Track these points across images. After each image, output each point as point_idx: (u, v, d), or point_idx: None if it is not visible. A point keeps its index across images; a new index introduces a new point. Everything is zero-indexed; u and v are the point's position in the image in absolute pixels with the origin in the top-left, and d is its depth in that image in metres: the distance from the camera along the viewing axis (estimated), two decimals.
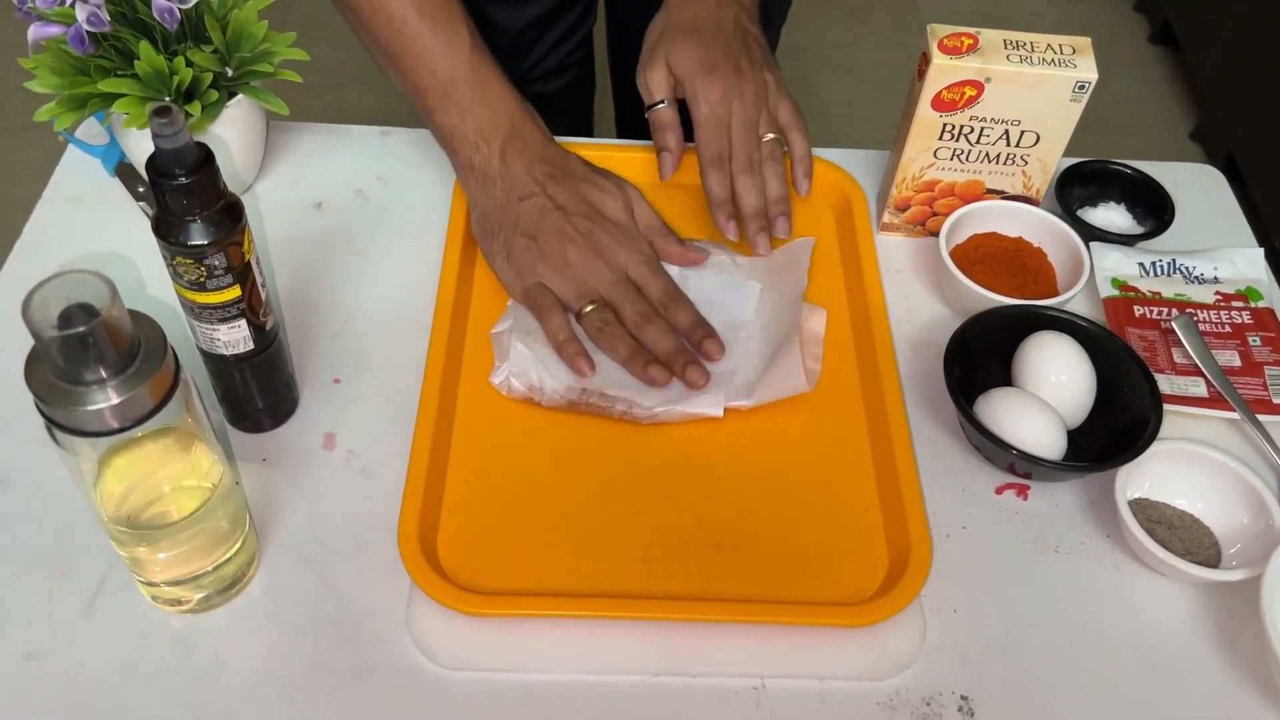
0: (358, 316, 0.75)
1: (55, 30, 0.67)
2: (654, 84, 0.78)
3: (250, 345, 0.63)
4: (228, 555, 0.60)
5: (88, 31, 0.66)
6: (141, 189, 0.81)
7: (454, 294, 0.74)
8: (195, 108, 0.71)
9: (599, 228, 0.73)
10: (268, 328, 0.64)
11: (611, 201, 0.75)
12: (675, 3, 0.80)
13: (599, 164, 0.79)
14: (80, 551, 0.62)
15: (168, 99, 0.71)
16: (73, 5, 0.66)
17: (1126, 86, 2.32)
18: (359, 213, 0.82)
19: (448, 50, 0.73)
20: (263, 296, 0.62)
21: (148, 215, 0.80)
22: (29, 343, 0.48)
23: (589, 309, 0.71)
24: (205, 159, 0.55)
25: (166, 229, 0.56)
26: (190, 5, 0.68)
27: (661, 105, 0.79)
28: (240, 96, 0.74)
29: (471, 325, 0.75)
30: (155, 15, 0.67)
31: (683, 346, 0.71)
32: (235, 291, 0.59)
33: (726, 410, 0.70)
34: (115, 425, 0.50)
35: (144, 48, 0.68)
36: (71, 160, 0.84)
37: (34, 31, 0.67)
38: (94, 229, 0.79)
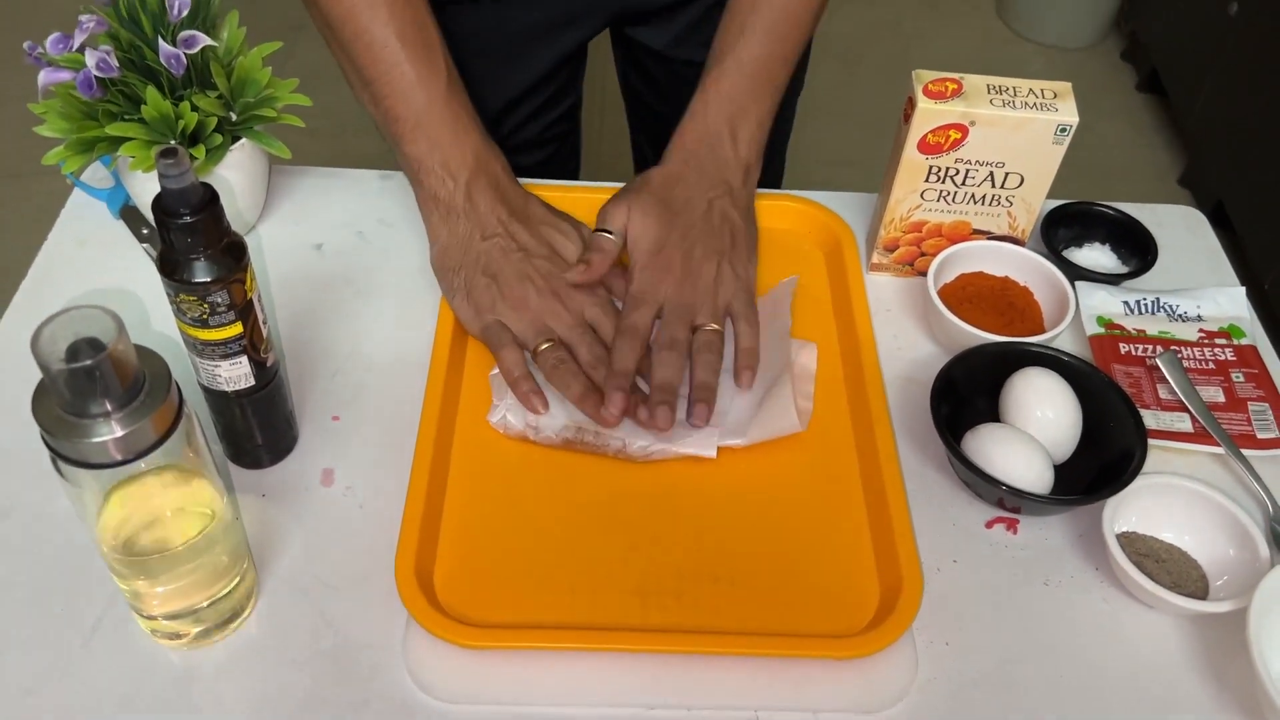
0: (357, 355, 0.77)
1: (64, 76, 0.69)
2: (611, 216, 0.78)
3: (251, 381, 0.64)
4: (227, 590, 0.61)
5: (96, 77, 0.68)
6: (145, 230, 0.82)
7: (451, 333, 0.75)
8: (200, 151, 0.73)
9: (559, 270, 0.75)
10: (268, 364, 0.65)
11: (571, 245, 0.77)
12: (664, 168, 0.80)
13: (583, 203, 0.81)
14: (80, 585, 0.63)
15: (173, 142, 0.73)
16: (82, 51, 0.68)
17: (1115, 133, 2.36)
18: (359, 254, 0.84)
19: (424, 81, 0.74)
20: (264, 333, 0.63)
21: (151, 256, 0.81)
22: (35, 378, 0.49)
23: (545, 347, 0.72)
24: (209, 199, 0.57)
25: (171, 267, 0.58)
26: (196, 51, 0.70)
27: (609, 234, 0.77)
28: (244, 140, 0.76)
29: (468, 364, 0.76)
30: (162, 61, 0.69)
31: (635, 387, 0.71)
32: (237, 328, 0.61)
33: (719, 448, 0.71)
34: (119, 457, 0.51)
35: (150, 93, 0.70)
36: (77, 203, 0.86)
37: (44, 77, 0.69)
38: (99, 269, 0.81)
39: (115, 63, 0.68)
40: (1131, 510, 0.69)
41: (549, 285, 0.74)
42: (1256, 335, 0.81)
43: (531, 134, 1.02)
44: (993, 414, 0.73)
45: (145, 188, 0.77)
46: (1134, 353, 0.78)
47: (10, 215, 1.97)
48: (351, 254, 0.84)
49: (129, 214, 0.83)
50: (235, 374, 0.63)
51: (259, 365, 0.64)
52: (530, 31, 0.94)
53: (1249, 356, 0.79)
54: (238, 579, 0.61)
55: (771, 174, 1.05)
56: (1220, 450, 0.73)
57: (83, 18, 0.67)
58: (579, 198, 0.85)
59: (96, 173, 0.88)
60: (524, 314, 0.73)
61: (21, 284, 0.80)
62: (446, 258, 0.76)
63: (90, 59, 0.67)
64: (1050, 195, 0.81)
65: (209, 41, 0.70)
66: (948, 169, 0.77)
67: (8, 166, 2.06)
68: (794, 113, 1.06)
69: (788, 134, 1.09)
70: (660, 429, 0.69)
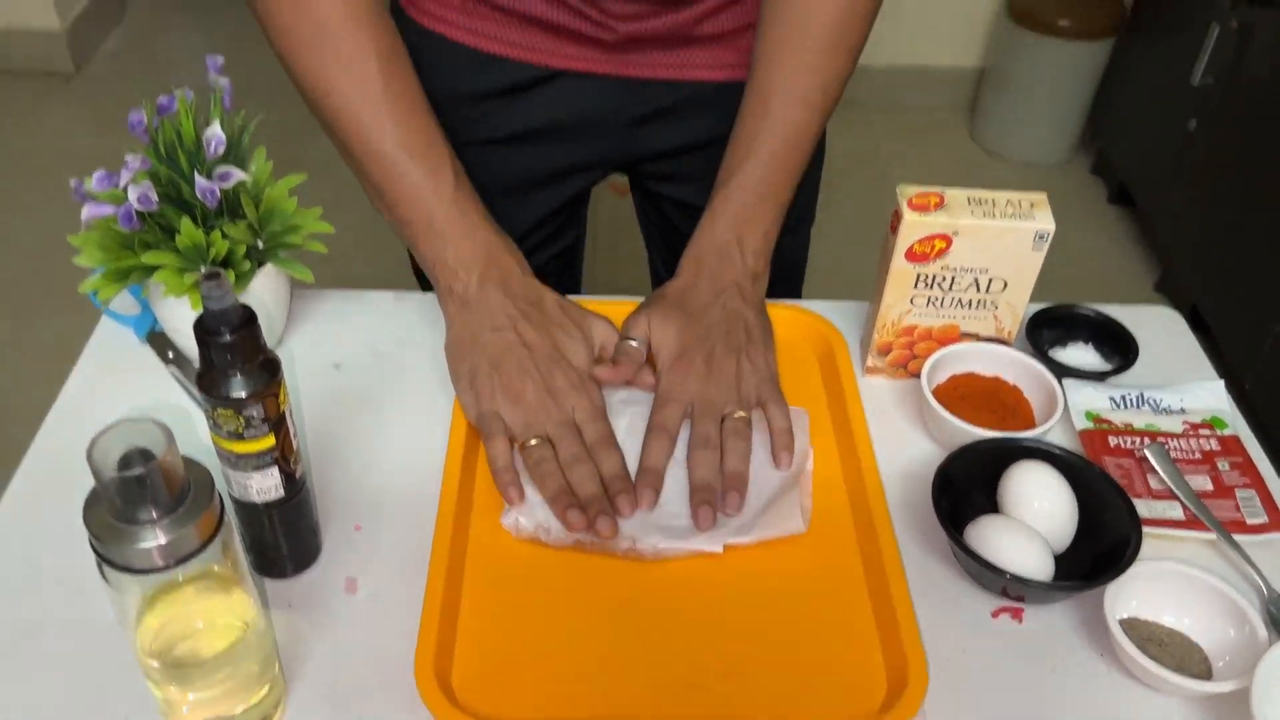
0: (376, 466, 0.79)
1: (107, 210, 0.73)
2: (633, 326, 0.83)
3: (281, 493, 0.67)
4: (257, 699, 0.62)
5: (136, 210, 0.73)
6: (171, 354, 0.86)
7: (464, 443, 0.78)
8: (229, 276, 0.77)
9: (558, 370, 0.79)
10: (297, 475, 0.67)
11: (575, 347, 0.81)
12: (677, 281, 0.85)
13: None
14: (110, 697, 0.64)
15: (204, 268, 0.77)
16: (124, 188, 0.73)
17: (1090, 244, 2.45)
18: (375, 370, 0.87)
19: (433, 187, 0.80)
20: (294, 446, 0.66)
21: (177, 379, 0.84)
22: (65, 498, 0.52)
23: (532, 443, 0.76)
24: (248, 319, 0.60)
25: (210, 383, 0.61)
26: (231, 185, 0.74)
27: (633, 343, 0.82)
28: (269, 265, 0.80)
29: (480, 472, 0.79)
30: (198, 194, 0.74)
31: (602, 494, 0.74)
32: (270, 441, 0.64)
33: (725, 545, 0.74)
34: (161, 563, 0.53)
35: (185, 224, 0.75)
36: (104, 331, 0.90)
37: (88, 211, 0.73)
38: (127, 392, 0.84)
39: (155, 197, 0.72)
40: (1131, 596, 0.71)
41: (546, 383, 0.78)
42: (1238, 426, 0.84)
43: (531, 268, 1.07)
44: (991, 506, 0.76)
45: (175, 313, 0.80)
46: (1123, 445, 0.82)
47: (38, 344, 2.01)
48: (368, 371, 0.87)
49: (156, 339, 0.87)
50: (266, 485, 0.66)
51: (288, 477, 0.67)
52: (539, 176, 0.99)
53: (1233, 446, 0.82)
54: (267, 687, 0.63)
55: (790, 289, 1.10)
56: (1212, 536, 0.75)
57: (128, 157, 0.72)
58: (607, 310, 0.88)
59: (122, 301, 0.92)
60: (519, 407, 0.77)
61: (52, 407, 0.83)
62: (458, 346, 0.80)
63: (132, 193, 0.71)
64: (1034, 300, 0.85)
65: (243, 176, 0.75)
66: (935, 276, 0.82)
67: (27, 305, 2.11)
68: (808, 241, 1.11)
69: (804, 264, 1.13)
70: (702, 528, 0.73)
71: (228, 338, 0.60)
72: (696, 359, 0.80)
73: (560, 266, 1.10)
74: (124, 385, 0.85)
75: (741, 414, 0.78)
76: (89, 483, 0.52)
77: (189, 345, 0.84)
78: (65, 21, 2.76)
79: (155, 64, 2.94)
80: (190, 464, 0.55)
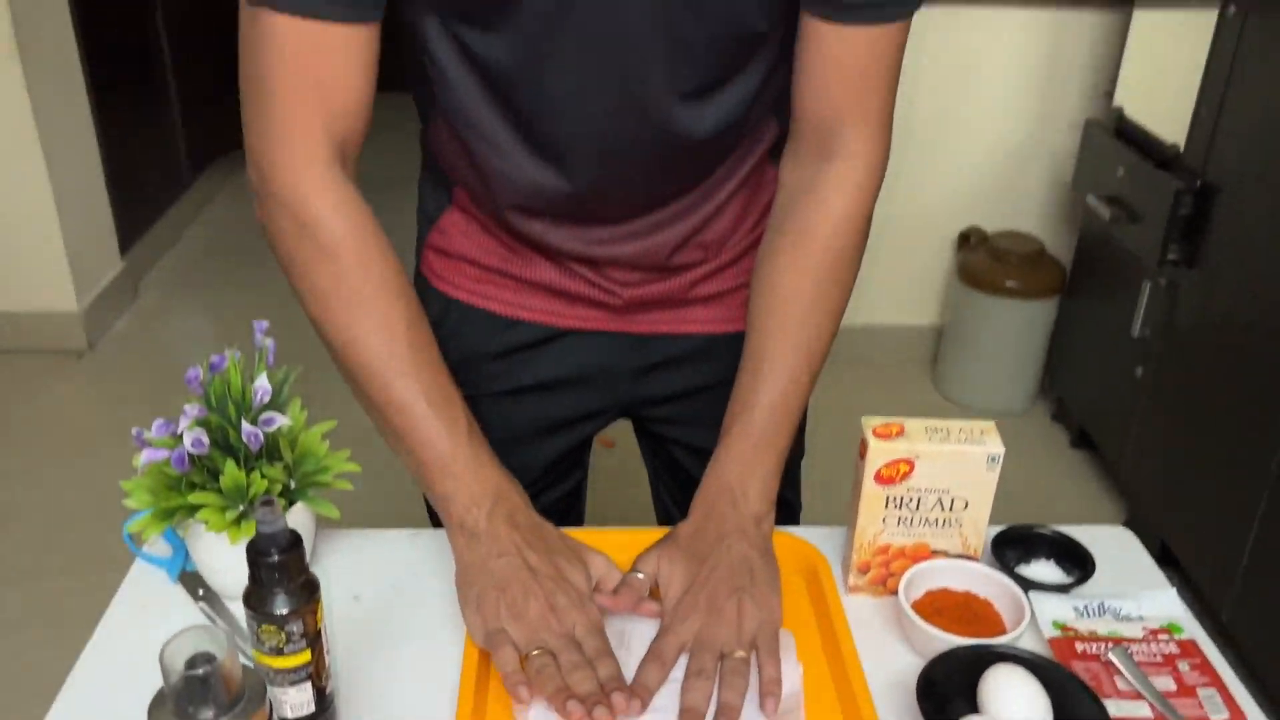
0: (394, 691, 0.84)
1: (163, 454, 0.82)
2: (643, 562, 0.92)
3: (312, 709, 0.72)
4: None
5: (189, 454, 0.82)
6: (201, 591, 0.92)
7: (476, 668, 0.84)
8: None
9: (560, 589, 0.85)
10: (327, 691, 0.73)
11: (575, 573, 0.88)
12: (687, 524, 0.94)
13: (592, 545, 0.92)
14: None
15: (242, 506, 0.85)
16: (178, 435, 0.82)
17: (1057, 488, 2.55)
18: (393, 602, 0.94)
19: (448, 434, 0.87)
20: (326, 662, 0.72)
21: (207, 615, 0.90)
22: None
23: (535, 653, 0.81)
24: (295, 541, 0.68)
25: (258, 600, 0.68)
26: (275, 429, 0.84)
27: (639, 575, 0.90)
28: (299, 503, 0.88)
29: (492, 693, 0.84)
30: (243, 439, 0.83)
31: (599, 692, 0.79)
32: (306, 655, 0.70)
33: None
34: None
35: (229, 465, 0.83)
36: (135, 575, 0.96)
37: (146, 456, 0.82)
38: (160, 628, 0.89)
39: (207, 441, 0.82)
40: None
41: (549, 601, 0.84)
42: (1194, 631, 0.91)
43: (537, 507, 1.15)
44: (972, 708, 0.81)
45: (210, 551, 0.87)
46: (1089, 650, 0.88)
47: (43, 618, 2.03)
48: (386, 603, 0.94)
49: (187, 579, 0.93)
50: (300, 700, 0.71)
51: (320, 692, 0.72)
52: (549, 424, 1.09)
53: (1190, 649, 0.89)
54: None
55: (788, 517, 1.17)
56: None
57: (187, 406, 0.82)
58: (586, 540, 0.96)
59: (153, 545, 0.98)
60: (522, 623, 0.83)
61: (87, 644, 0.88)
62: (467, 574, 0.86)
63: (188, 439, 0.81)
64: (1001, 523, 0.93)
65: (286, 421, 0.84)
66: (902, 497, 0.91)
67: (36, 575, 2.14)
68: (799, 473, 1.20)
69: (799, 493, 1.22)
70: None
71: (277, 558, 0.67)
72: (700, 599, 0.87)
73: (566, 505, 1.18)
74: (157, 622, 0.90)
75: (741, 654, 0.83)
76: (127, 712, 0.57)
77: (222, 582, 0.90)
78: (83, 304, 2.95)
79: (161, 343, 3.11)
80: (247, 670, 0.61)
